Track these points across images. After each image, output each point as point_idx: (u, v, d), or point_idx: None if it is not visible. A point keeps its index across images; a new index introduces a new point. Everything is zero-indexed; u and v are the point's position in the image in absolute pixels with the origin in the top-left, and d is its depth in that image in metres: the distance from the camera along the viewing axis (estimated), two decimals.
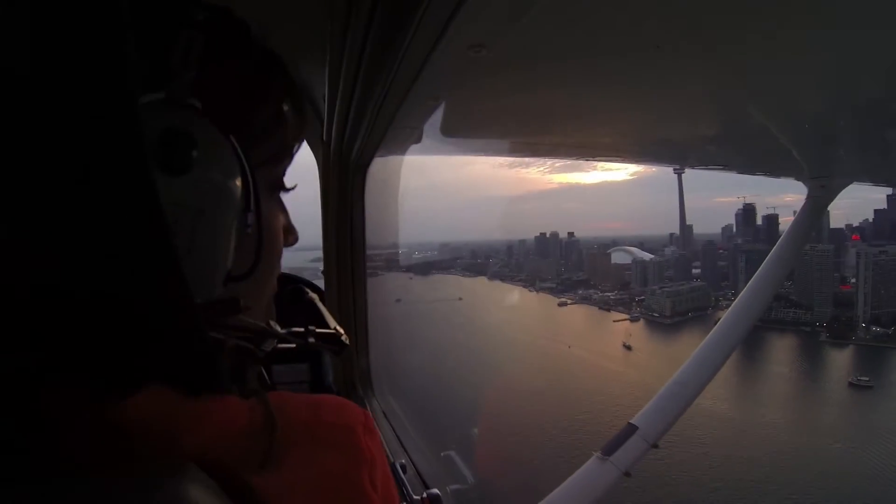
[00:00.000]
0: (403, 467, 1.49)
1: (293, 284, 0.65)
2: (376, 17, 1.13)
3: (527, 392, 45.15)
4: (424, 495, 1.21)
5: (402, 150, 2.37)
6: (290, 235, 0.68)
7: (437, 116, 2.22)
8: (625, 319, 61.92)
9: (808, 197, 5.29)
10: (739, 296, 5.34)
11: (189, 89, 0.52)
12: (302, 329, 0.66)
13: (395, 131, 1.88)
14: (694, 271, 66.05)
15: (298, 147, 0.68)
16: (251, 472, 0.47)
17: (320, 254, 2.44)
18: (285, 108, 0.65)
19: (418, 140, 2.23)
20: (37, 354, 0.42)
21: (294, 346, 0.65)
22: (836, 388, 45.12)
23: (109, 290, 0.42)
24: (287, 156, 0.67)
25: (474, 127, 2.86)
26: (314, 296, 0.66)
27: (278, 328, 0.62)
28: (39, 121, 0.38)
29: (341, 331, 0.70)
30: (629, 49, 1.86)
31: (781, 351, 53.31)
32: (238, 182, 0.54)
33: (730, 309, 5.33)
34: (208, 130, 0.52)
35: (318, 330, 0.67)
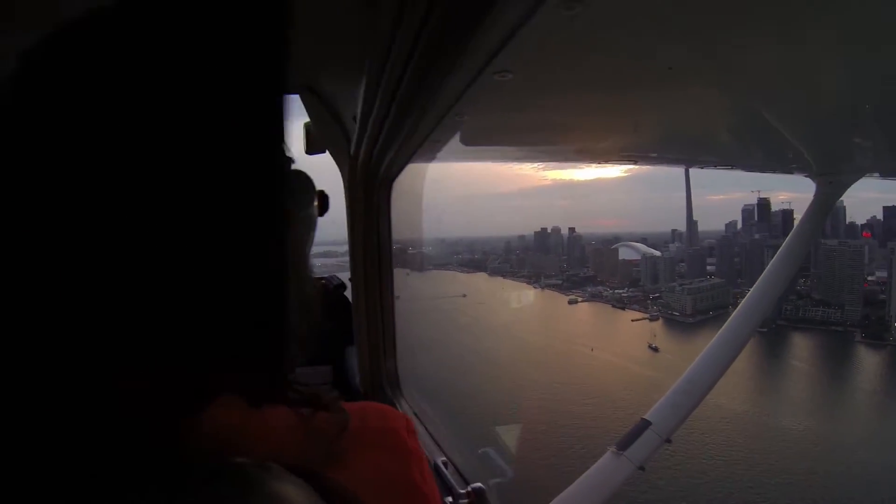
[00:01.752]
0: (445, 464, 1.58)
1: None
2: (419, 46, 1.23)
3: (554, 404, 40.47)
4: (469, 489, 1.29)
5: (428, 161, 2.49)
6: None
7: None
8: (643, 318, 57.37)
9: (817, 193, 5.23)
10: (749, 293, 5.34)
11: None
12: None
13: (425, 147, 1.99)
14: (708, 268, 62.78)
15: None
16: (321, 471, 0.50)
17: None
18: None
19: (440, 150, 2.34)
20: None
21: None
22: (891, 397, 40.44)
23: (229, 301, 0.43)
24: None
25: (491, 137, 2.97)
26: None
27: None
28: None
29: None
30: (643, 71, 1.96)
31: (817, 353, 48.40)
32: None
33: (740, 306, 5.31)
34: (304, 176, 0.66)
35: None
